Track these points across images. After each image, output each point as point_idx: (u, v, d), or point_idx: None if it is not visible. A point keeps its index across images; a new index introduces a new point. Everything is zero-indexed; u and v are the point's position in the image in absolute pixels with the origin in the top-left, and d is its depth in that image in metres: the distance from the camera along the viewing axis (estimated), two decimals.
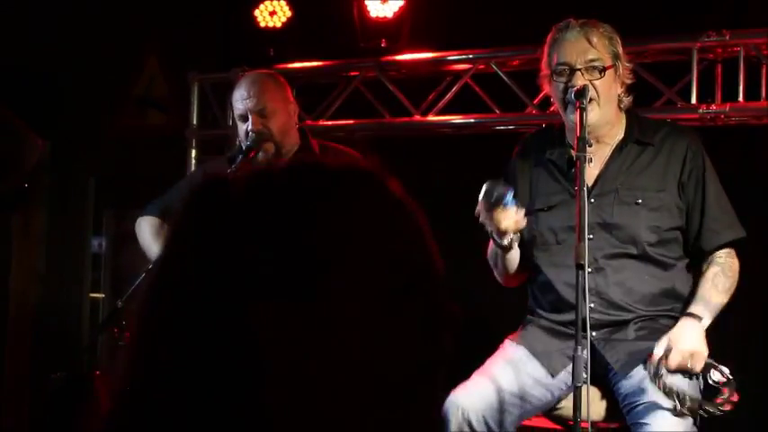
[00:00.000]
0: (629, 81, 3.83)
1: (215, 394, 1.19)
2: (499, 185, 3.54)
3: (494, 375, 3.70)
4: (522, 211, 3.60)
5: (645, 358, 3.61)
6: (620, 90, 3.79)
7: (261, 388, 1.19)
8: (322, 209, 1.25)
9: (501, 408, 3.63)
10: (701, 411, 3.41)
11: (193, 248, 1.25)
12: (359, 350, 1.23)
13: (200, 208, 1.30)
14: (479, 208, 3.57)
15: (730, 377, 3.45)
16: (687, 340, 3.51)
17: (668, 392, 3.41)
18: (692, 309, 3.64)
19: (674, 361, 3.46)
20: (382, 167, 1.35)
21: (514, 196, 3.69)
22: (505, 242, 3.68)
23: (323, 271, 1.22)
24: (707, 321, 3.60)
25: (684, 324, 3.59)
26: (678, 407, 3.39)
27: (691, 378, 3.50)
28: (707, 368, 3.47)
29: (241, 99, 4.44)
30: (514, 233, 3.66)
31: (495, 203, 3.52)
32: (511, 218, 3.56)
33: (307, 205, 1.25)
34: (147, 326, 1.26)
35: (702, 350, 3.51)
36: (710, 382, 3.47)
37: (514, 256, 3.83)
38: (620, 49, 3.76)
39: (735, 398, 3.43)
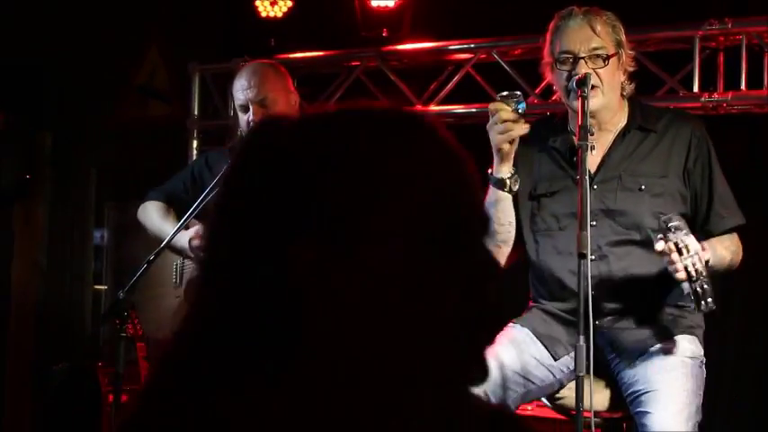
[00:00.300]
0: (631, 69, 3.82)
1: (261, 327, 1.25)
2: (517, 93, 3.56)
3: (496, 353, 3.68)
4: (527, 127, 3.60)
5: (648, 346, 3.61)
6: (622, 78, 3.78)
7: (299, 323, 1.23)
8: (364, 154, 1.26)
9: (504, 384, 3.62)
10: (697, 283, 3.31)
11: (245, 188, 1.29)
12: (396, 293, 1.24)
13: (252, 150, 1.32)
14: (492, 107, 3.57)
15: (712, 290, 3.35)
16: (690, 239, 3.41)
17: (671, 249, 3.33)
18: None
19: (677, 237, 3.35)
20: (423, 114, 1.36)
21: (517, 181, 3.69)
22: (506, 174, 3.66)
23: (362, 214, 1.24)
24: (708, 254, 3.47)
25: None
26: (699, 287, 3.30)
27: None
28: (700, 275, 3.35)
29: (242, 89, 4.43)
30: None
31: (509, 102, 3.53)
32: (521, 125, 3.56)
33: (349, 150, 1.26)
34: (209, 253, 1.32)
35: (702, 254, 3.40)
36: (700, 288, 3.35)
37: (508, 207, 3.78)
38: (623, 37, 3.74)
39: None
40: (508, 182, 3.70)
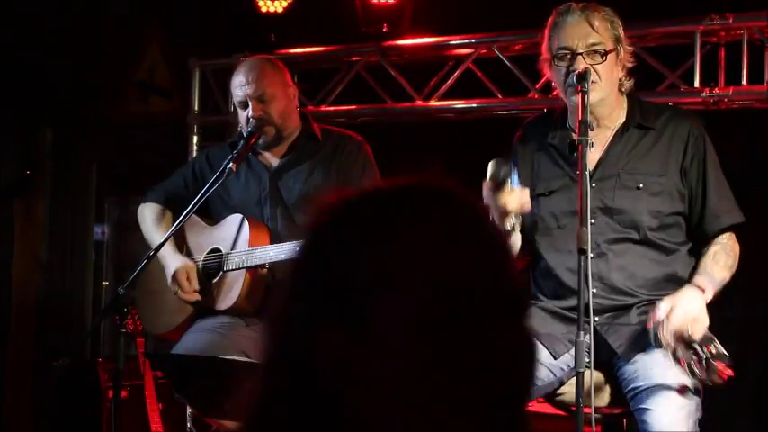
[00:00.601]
0: (630, 64, 3.81)
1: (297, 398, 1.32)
2: (505, 165, 3.52)
3: None
4: (527, 192, 3.56)
5: (648, 343, 3.60)
6: (621, 74, 3.78)
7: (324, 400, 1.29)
8: (376, 236, 1.30)
9: None
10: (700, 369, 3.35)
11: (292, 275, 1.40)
12: (413, 372, 1.26)
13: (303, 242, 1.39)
14: (485, 189, 3.54)
15: (725, 353, 3.40)
16: (690, 305, 3.46)
17: (667, 346, 3.37)
18: (695, 280, 3.61)
19: (675, 322, 3.38)
20: (463, 188, 1.38)
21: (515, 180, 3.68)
22: (508, 226, 3.65)
23: (369, 297, 1.27)
24: (709, 295, 3.55)
25: (688, 290, 3.55)
26: (674, 359, 3.34)
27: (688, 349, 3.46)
28: (705, 340, 3.41)
29: (240, 86, 4.43)
30: (518, 216, 3.63)
31: (501, 183, 3.49)
32: (516, 199, 3.53)
33: (362, 234, 1.30)
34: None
35: (704, 318, 3.46)
36: (707, 354, 3.40)
37: (516, 240, 3.81)
38: (622, 33, 3.74)
39: (729, 372, 3.37)
40: (511, 227, 3.68)
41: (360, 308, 1.26)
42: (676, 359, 3.37)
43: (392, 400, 1.25)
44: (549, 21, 3.79)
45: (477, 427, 1.27)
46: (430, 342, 1.25)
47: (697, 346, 3.36)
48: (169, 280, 4.45)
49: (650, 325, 3.46)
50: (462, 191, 1.36)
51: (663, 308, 3.45)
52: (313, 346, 1.28)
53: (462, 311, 1.26)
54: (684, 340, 3.38)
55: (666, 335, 3.38)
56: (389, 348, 1.25)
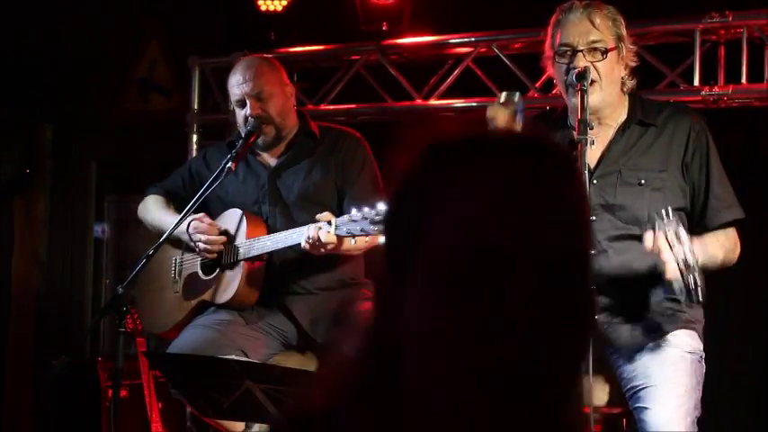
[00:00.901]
0: (632, 63, 3.81)
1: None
2: (513, 96, 3.52)
3: None
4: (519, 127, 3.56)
5: (648, 342, 3.60)
6: (623, 72, 3.78)
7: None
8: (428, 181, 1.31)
9: None
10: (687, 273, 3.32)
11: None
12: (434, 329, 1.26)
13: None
14: (490, 113, 3.54)
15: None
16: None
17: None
18: None
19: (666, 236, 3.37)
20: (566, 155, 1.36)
21: None
22: None
23: (412, 239, 1.28)
24: (700, 258, 3.49)
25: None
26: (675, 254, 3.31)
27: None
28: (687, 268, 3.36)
29: (237, 84, 4.43)
30: None
31: (506, 102, 3.49)
32: (509, 123, 3.54)
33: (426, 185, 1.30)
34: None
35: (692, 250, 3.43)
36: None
37: None
38: (624, 32, 3.74)
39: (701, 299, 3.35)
40: None
41: (406, 250, 1.28)
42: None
43: (436, 353, 1.25)
44: (553, 18, 3.79)
45: (490, 402, 1.25)
46: (448, 294, 1.25)
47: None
48: (188, 240, 4.42)
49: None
50: (547, 149, 1.32)
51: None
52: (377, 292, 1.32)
53: (487, 272, 1.24)
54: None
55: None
56: (426, 294, 1.25)
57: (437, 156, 1.31)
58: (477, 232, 1.24)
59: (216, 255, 4.40)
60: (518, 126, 3.54)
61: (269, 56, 4.70)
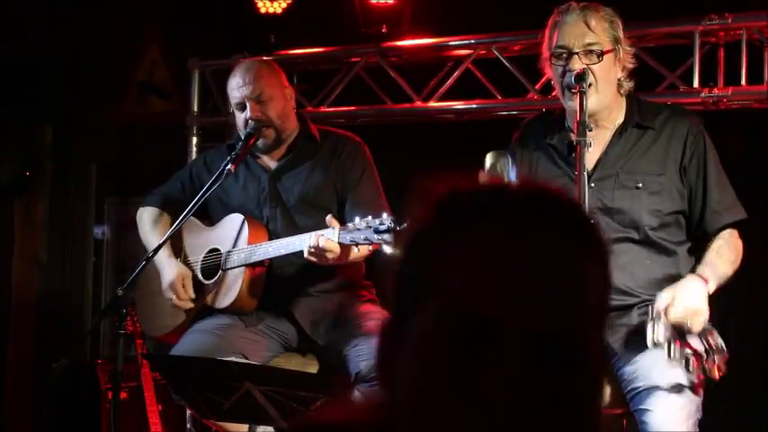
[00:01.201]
0: (630, 65, 3.81)
1: None
2: (503, 157, 3.52)
3: None
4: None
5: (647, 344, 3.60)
6: (620, 74, 3.78)
7: None
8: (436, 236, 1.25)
9: None
10: (687, 364, 3.35)
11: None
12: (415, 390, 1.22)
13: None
14: (482, 179, 3.53)
15: (723, 347, 3.41)
16: (692, 297, 3.46)
17: (659, 342, 3.36)
18: (699, 270, 3.62)
19: (675, 314, 3.39)
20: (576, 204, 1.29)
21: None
22: None
23: (412, 299, 1.23)
24: (712, 286, 3.55)
25: (691, 280, 3.55)
26: (671, 353, 3.34)
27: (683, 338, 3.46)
28: (704, 332, 3.42)
29: (237, 87, 4.42)
30: None
31: (497, 175, 3.50)
32: None
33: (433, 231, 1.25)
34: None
35: (705, 311, 3.46)
36: (706, 346, 3.41)
37: None
38: (621, 33, 3.74)
39: (723, 368, 3.38)
40: None
41: (406, 309, 1.23)
42: (669, 355, 3.37)
43: (424, 418, 1.19)
44: (550, 20, 3.80)
45: None
46: (435, 360, 1.18)
47: (695, 339, 3.37)
48: (165, 286, 4.46)
49: (653, 309, 3.44)
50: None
51: (663, 298, 3.44)
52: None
53: (472, 346, 1.15)
54: (683, 332, 3.38)
55: (660, 332, 3.37)
56: (419, 355, 1.19)
57: (450, 211, 1.25)
58: (470, 300, 1.17)
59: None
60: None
61: (268, 58, 4.69)
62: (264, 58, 4.76)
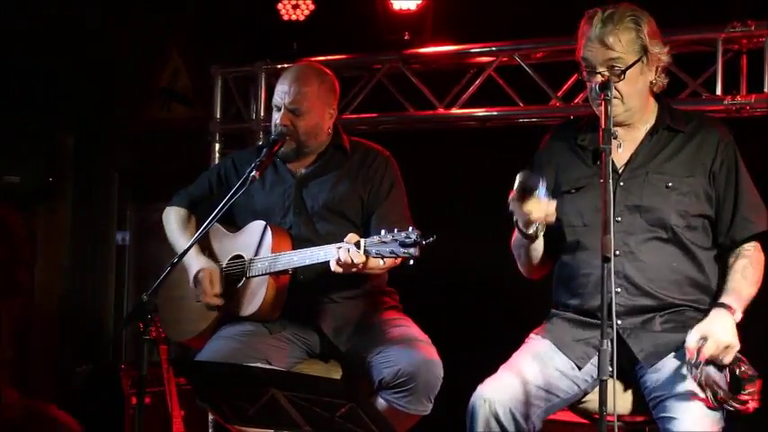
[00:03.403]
0: (664, 63, 3.78)
1: None
2: (533, 176, 3.52)
3: (520, 369, 3.69)
4: (554, 204, 3.57)
5: (671, 350, 3.60)
6: (651, 76, 3.75)
7: None
8: None
9: (527, 401, 3.62)
10: (729, 406, 3.39)
11: None
12: None
13: None
14: (511, 196, 3.55)
15: (756, 374, 3.43)
16: (723, 332, 3.48)
17: (704, 385, 3.39)
18: (725, 299, 3.62)
19: (708, 351, 3.42)
20: None
21: (543, 227, 3.70)
22: (531, 231, 3.66)
23: None
24: (739, 314, 3.58)
25: (718, 314, 3.56)
26: (712, 399, 3.37)
27: (720, 370, 3.48)
28: (735, 362, 3.45)
29: (281, 91, 4.44)
30: (543, 224, 3.65)
31: (528, 193, 3.51)
32: (542, 209, 3.54)
33: None
34: None
35: (736, 343, 3.49)
36: (738, 375, 3.44)
37: (539, 246, 3.82)
38: (647, 38, 3.68)
39: (757, 396, 3.41)
40: (534, 233, 3.70)
41: None
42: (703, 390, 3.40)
43: None
44: (580, 23, 3.77)
45: None
46: None
47: (727, 370, 3.41)
48: (191, 282, 4.47)
49: (688, 353, 3.47)
50: None
51: (693, 339, 3.46)
52: None
53: None
54: (715, 363, 3.42)
55: (697, 372, 3.41)
56: None
57: None
58: None
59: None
60: (551, 204, 3.56)
61: (324, 70, 4.63)
62: (326, 69, 4.69)
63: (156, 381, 5.11)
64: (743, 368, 3.44)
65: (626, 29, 3.66)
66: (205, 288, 4.41)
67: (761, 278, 3.74)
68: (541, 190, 3.50)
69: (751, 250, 3.74)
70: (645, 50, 3.68)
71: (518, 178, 3.52)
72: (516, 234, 3.83)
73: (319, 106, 4.46)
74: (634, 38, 3.66)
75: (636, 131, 3.81)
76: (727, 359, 3.45)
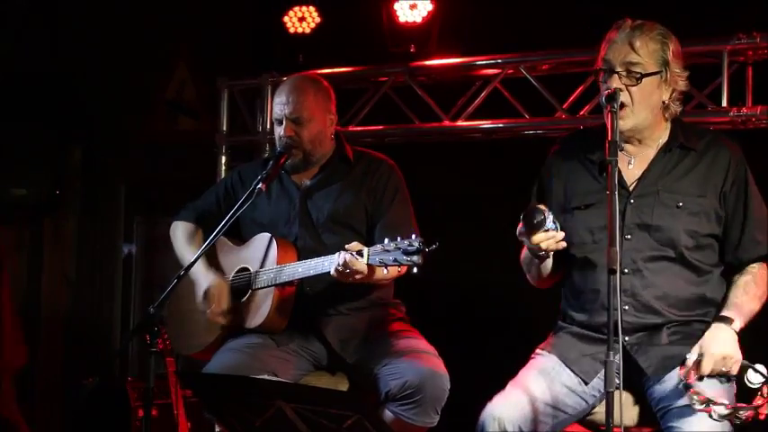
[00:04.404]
0: (681, 88, 3.78)
1: None
2: (539, 210, 3.53)
3: (527, 386, 3.69)
4: (562, 234, 3.58)
5: (678, 363, 3.60)
6: (666, 97, 3.74)
7: None
8: None
9: (535, 418, 3.62)
10: (736, 419, 3.39)
11: None
12: None
13: None
14: (519, 229, 3.57)
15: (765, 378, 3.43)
16: (719, 344, 3.50)
17: (699, 402, 3.38)
18: (725, 312, 3.63)
19: (707, 367, 3.44)
20: None
21: (548, 199, 3.70)
22: (542, 253, 3.67)
23: None
24: (738, 325, 3.58)
25: (716, 329, 3.58)
26: (712, 415, 3.37)
27: (728, 381, 3.48)
28: (743, 370, 3.45)
29: (280, 103, 4.46)
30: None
31: (536, 227, 3.52)
32: (551, 239, 3.56)
33: None
34: None
35: (735, 353, 3.49)
36: (747, 383, 3.44)
37: (548, 263, 3.82)
38: (671, 56, 3.69)
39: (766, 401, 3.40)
40: (544, 254, 3.71)
41: None
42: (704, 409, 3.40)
43: None
44: (606, 34, 3.77)
45: None
46: None
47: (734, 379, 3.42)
48: (200, 298, 4.47)
49: (681, 371, 3.48)
50: None
51: (691, 358, 3.47)
52: None
53: None
54: (722, 376, 3.43)
55: (697, 388, 3.41)
56: None
57: None
58: None
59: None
60: (558, 233, 3.57)
61: (319, 78, 4.68)
62: (319, 78, 4.74)
63: (163, 393, 5.11)
64: (752, 374, 3.43)
65: (653, 39, 3.68)
66: (213, 304, 4.42)
67: (765, 295, 3.73)
68: (548, 222, 3.52)
69: (756, 268, 3.75)
70: (666, 66, 3.68)
71: (524, 213, 3.54)
72: (526, 252, 3.83)
73: (319, 113, 4.49)
74: (659, 49, 3.68)
75: (647, 149, 3.80)
76: (734, 369, 3.45)
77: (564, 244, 3.61)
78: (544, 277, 3.90)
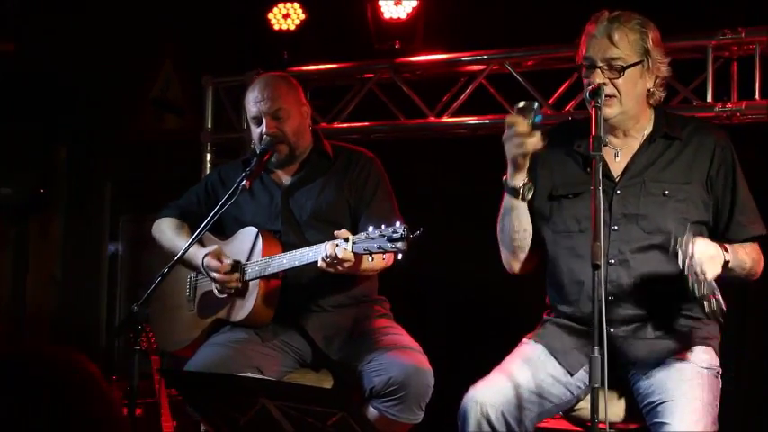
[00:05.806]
0: (664, 74, 3.78)
1: None
2: (535, 104, 3.57)
3: (511, 373, 3.68)
4: (541, 135, 3.61)
5: (664, 357, 3.60)
6: (650, 84, 3.75)
7: None
8: None
9: (519, 404, 3.61)
10: (707, 303, 3.33)
11: None
12: None
13: None
14: (509, 120, 3.57)
15: (723, 307, 3.37)
16: (707, 247, 3.43)
17: (708, 285, 3.33)
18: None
19: (696, 251, 3.38)
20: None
21: (534, 184, 3.72)
22: (519, 183, 3.66)
23: None
24: (728, 257, 3.50)
25: (708, 240, 3.53)
26: (711, 303, 3.31)
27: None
28: (707, 286, 3.38)
29: (254, 101, 4.44)
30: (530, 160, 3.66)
31: (526, 114, 3.55)
32: (536, 139, 3.57)
33: None
34: None
35: (718, 260, 3.44)
36: (696, 293, 3.38)
37: (523, 214, 3.79)
38: (651, 44, 3.70)
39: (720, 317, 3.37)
40: (522, 189, 3.71)
41: None
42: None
43: None
44: (585, 27, 3.77)
45: None
46: None
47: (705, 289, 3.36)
48: (203, 271, 4.43)
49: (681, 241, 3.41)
50: None
51: (687, 240, 3.41)
52: None
53: None
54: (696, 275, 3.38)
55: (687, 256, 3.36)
56: None
57: None
58: None
59: (232, 290, 4.40)
60: (536, 135, 3.57)
61: (286, 75, 4.70)
62: (283, 74, 4.76)
63: (148, 392, 5.10)
64: (705, 289, 3.38)
65: (632, 30, 3.68)
66: (217, 267, 4.37)
67: (758, 264, 3.72)
68: (539, 117, 3.55)
69: (749, 243, 3.74)
70: (647, 55, 3.68)
71: (519, 104, 3.57)
72: (504, 200, 3.80)
73: (295, 106, 4.49)
74: (638, 39, 3.68)
75: (632, 140, 3.80)
76: (709, 273, 3.36)
77: (540, 143, 3.62)
78: (516, 245, 3.84)
